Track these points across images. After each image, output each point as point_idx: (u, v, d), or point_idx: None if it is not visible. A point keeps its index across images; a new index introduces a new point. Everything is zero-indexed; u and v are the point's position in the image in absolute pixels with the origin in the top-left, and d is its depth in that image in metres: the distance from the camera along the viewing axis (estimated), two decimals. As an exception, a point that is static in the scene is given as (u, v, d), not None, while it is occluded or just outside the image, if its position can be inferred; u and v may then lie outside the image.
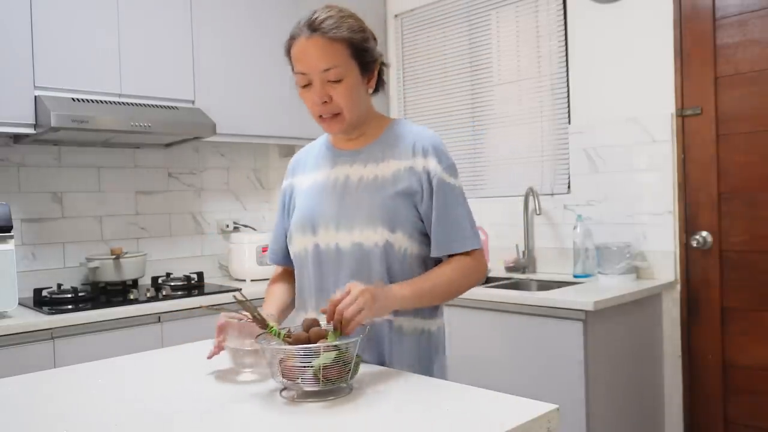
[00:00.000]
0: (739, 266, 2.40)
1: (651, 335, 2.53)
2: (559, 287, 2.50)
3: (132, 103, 2.60)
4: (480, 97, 3.24)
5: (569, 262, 2.81)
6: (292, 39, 1.36)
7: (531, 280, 2.85)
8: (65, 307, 2.36)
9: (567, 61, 2.86)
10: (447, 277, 1.36)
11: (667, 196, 2.54)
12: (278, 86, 3.04)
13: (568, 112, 2.87)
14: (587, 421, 2.17)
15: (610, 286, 2.44)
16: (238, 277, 3.11)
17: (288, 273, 1.57)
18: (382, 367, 1.35)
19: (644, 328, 2.50)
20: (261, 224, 3.45)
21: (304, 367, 1.10)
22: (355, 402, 1.13)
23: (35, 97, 2.37)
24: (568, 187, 2.86)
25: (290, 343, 1.16)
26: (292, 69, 1.38)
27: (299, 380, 1.12)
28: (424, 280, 1.34)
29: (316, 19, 1.33)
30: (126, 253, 2.77)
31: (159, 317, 2.43)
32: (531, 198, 2.89)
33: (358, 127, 1.43)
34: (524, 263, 2.95)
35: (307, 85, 1.35)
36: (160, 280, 2.85)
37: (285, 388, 1.18)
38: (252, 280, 3.02)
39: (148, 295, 2.56)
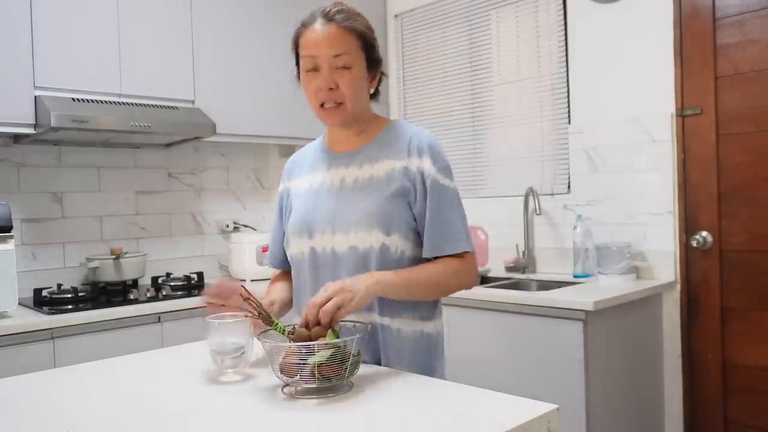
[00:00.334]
0: (739, 266, 2.40)
1: (651, 335, 2.53)
2: (559, 287, 2.50)
3: (132, 103, 2.60)
4: (480, 97, 3.24)
5: (569, 262, 2.81)
6: (304, 27, 1.40)
7: (531, 280, 2.85)
8: (65, 307, 2.36)
9: (567, 61, 2.86)
10: (436, 273, 1.34)
11: (667, 196, 2.54)
12: (278, 86, 3.04)
13: (568, 112, 2.87)
14: (587, 421, 2.17)
15: (610, 286, 2.44)
16: (238, 277, 3.11)
17: (288, 274, 1.57)
18: (382, 367, 1.35)
19: (644, 328, 2.50)
20: (261, 224, 3.45)
21: (302, 364, 1.11)
22: (355, 400, 1.13)
23: (35, 97, 2.37)
24: (568, 187, 2.86)
25: (294, 340, 1.18)
26: (297, 57, 1.42)
27: (298, 377, 1.13)
28: (412, 272, 1.33)
29: (330, 11, 1.36)
30: (126, 253, 2.77)
31: (159, 317, 2.43)
32: (531, 198, 2.89)
33: (356, 123, 1.43)
34: (524, 263, 2.95)
35: (312, 70, 1.37)
36: (160, 280, 2.85)
37: (286, 385, 1.19)
38: (252, 280, 3.02)
39: (148, 295, 2.56)
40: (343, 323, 1.25)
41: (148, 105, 2.64)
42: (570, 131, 2.84)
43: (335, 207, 1.39)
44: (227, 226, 3.29)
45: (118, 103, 2.56)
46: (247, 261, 3.04)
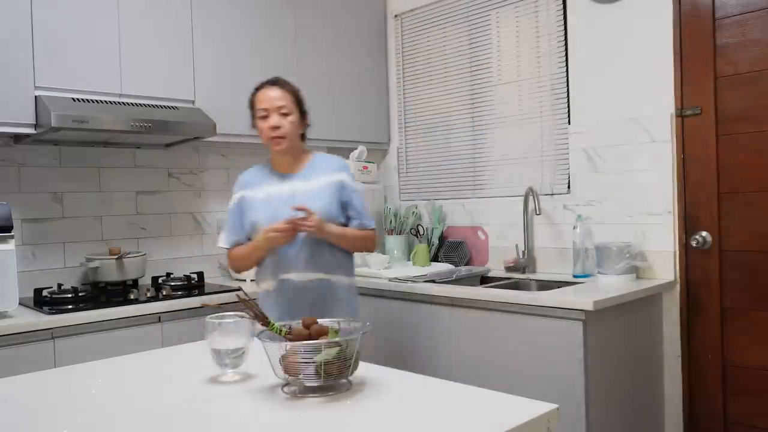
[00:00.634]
0: (739, 266, 2.40)
1: (651, 335, 2.53)
2: (559, 287, 2.50)
3: (132, 103, 2.60)
4: (480, 97, 3.24)
5: (569, 262, 2.81)
6: (257, 90, 2.18)
7: (531, 280, 2.85)
8: (65, 307, 2.36)
9: (567, 61, 2.87)
10: (358, 235, 2.19)
11: (667, 196, 2.55)
12: (278, 86, 3.04)
13: (568, 112, 2.87)
14: (587, 421, 2.17)
15: (610, 286, 2.44)
16: (238, 277, 3.11)
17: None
18: (382, 366, 1.35)
19: (644, 328, 2.50)
20: (261, 224, 3.45)
21: (306, 363, 1.12)
22: (355, 398, 1.13)
23: (35, 97, 2.37)
24: (568, 187, 2.87)
25: (291, 340, 1.18)
26: (254, 112, 2.17)
27: (301, 376, 1.13)
28: (346, 230, 2.18)
29: (275, 79, 2.18)
30: (126, 253, 2.77)
31: (159, 317, 2.43)
32: (531, 198, 2.89)
33: (292, 152, 2.18)
34: (524, 263, 2.95)
35: (264, 117, 2.13)
36: (160, 280, 2.85)
37: (287, 384, 1.20)
38: (252, 280, 3.01)
39: (148, 295, 2.56)
40: (344, 327, 1.26)
41: (148, 105, 2.64)
42: (570, 131, 2.84)
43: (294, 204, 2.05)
44: (227, 226, 3.29)
45: (118, 103, 2.56)
46: (247, 261, 3.03)
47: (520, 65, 3.07)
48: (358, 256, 2.63)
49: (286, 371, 1.15)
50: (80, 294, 2.50)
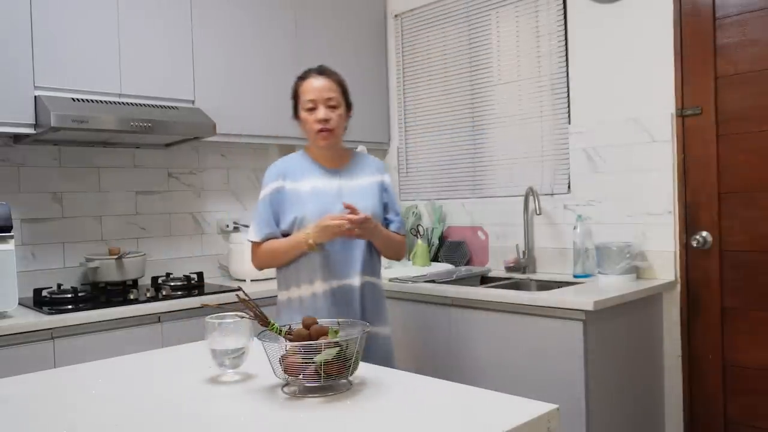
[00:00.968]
0: (739, 266, 2.40)
1: (651, 335, 2.53)
2: (559, 287, 2.50)
3: (132, 103, 2.60)
4: (480, 97, 3.24)
5: (569, 262, 2.81)
6: (302, 79, 2.03)
7: (531, 280, 2.85)
8: (65, 307, 2.36)
9: (567, 61, 2.86)
10: (397, 240, 2.11)
11: (667, 196, 2.54)
12: (278, 86, 3.04)
13: (568, 112, 2.87)
14: (587, 420, 2.17)
15: (610, 286, 2.44)
16: (238, 277, 3.11)
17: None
18: (381, 367, 1.36)
19: (644, 328, 2.50)
20: (261, 224, 3.45)
21: (306, 363, 1.12)
22: (355, 399, 1.13)
23: (35, 97, 2.37)
24: (568, 187, 2.87)
25: (291, 340, 1.18)
26: (297, 101, 2.04)
27: (301, 376, 1.13)
28: (390, 233, 2.08)
29: (322, 68, 2.04)
30: (126, 253, 2.77)
31: (159, 317, 2.43)
32: (531, 198, 2.89)
33: (335, 146, 2.05)
34: (524, 263, 2.95)
35: (311, 109, 1.98)
36: (160, 280, 2.85)
37: (287, 384, 1.20)
38: (252, 280, 3.02)
39: (148, 295, 2.56)
40: (344, 329, 1.26)
41: (148, 105, 2.64)
42: (570, 131, 2.84)
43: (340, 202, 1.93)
44: (227, 226, 3.29)
45: (118, 103, 2.56)
46: (247, 261, 3.00)
47: (520, 65, 3.07)
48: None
49: (286, 371, 1.15)
50: (80, 294, 2.50)
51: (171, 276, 2.91)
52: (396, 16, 3.61)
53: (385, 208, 2.10)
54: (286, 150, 3.42)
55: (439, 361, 2.61)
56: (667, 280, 2.53)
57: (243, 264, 3.06)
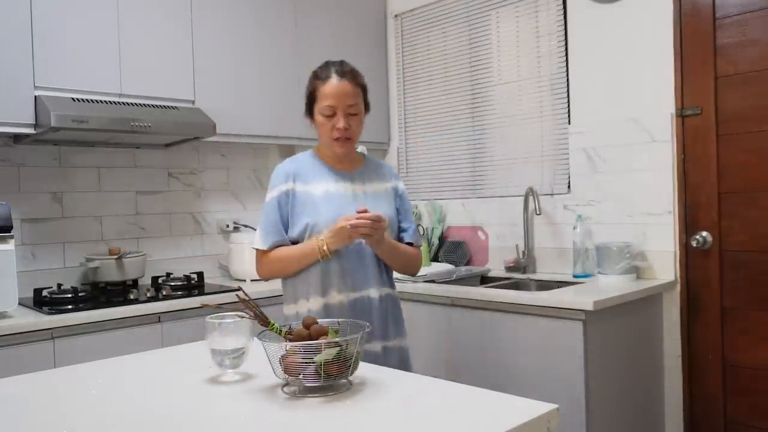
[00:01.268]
0: (739, 266, 2.40)
1: (651, 335, 2.53)
2: (559, 287, 2.50)
3: (132, 103, 2.60)
4: (480, 97, 3.24)
5: (569, 262, 2.81)
6: (322, 79, 1.84)
7: (531, 280, 2.85)
8: (65, 307, 2.36)
9: (567, 61, 2.86)
10: (409, 252, 1.96)
11: (667, 196, 2.54)
12: (278, 86, 3.04)
13: (568, 112, 2.87)
14: (587, 420, 2.17)
15: (610, 286, 2.44)
16: (238, 277, 3.11)
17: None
18: (381, 366, 1.36)
19: (644, 328, 2.50)
20: (261, 224, 3.45)
21: (306, 363, 1.12)
22: (355, 399, 1.13)
23: (35, 97, 2.37)
24: (568, 187, 2.87)
25: (291, 340, 1.18)
26: (314, 103, 1.86)
27: (301, 376, 1.13)
28: (399, 244, 1.93)
29: (343, 69, 1.86)
30: (126, 253, 2.77)
31: (159, 317, 2.43)
32: (531, 198, 2.89)
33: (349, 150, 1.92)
34: (524, 263, 2.95)
35: (330, 115, 1.83)
36: (160, 280, 2.85)
37: (287, 384, 1.20)
38: (252, 280, 3.02)
39: (148, 295, 2.56)
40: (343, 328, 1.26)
41: (148, 105, 2.64)
42: (570, 131, 2.84)
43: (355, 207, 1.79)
44: (227, 226, 3.29)
45: (118, 103, 2.56)
46: (247, 261, 3.03)
47: (520, 65, 3.07)
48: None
49: (286, 371, 1.15)
50: (80, 294, 2.50)
51: (171, 276, 2.91)
52: (396, 16, 3.61)
53: (398, 216, 1.98)
54: (286, 150, 3.42)
55: (438, 362, 2.61)
56: (666, 280, 2.53)
57: (243, 264, 3.06)
